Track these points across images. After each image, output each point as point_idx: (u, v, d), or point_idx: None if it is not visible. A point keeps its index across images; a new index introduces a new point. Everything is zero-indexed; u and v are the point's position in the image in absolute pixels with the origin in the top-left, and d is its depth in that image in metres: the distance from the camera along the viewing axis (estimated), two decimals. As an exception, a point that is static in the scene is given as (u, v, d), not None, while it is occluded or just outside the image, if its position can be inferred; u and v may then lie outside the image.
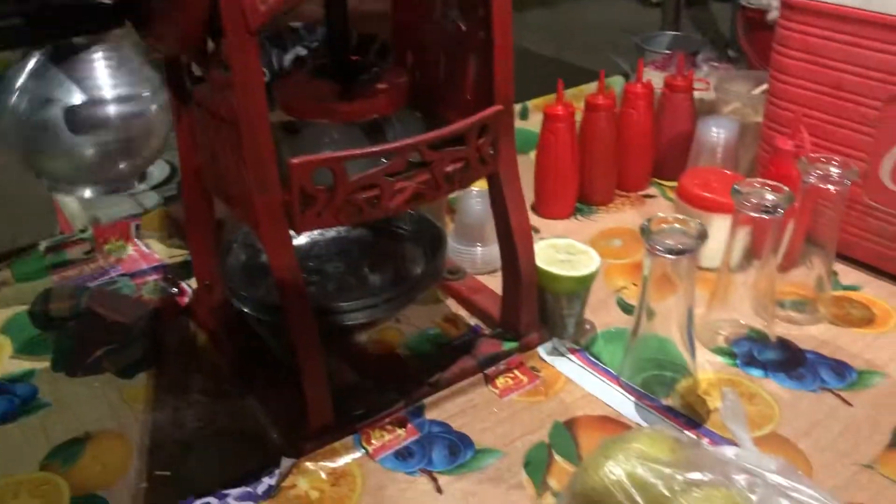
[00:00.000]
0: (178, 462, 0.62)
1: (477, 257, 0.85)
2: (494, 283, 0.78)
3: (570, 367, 0.72)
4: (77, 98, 1.02)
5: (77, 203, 1.08)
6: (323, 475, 0.61)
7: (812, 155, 0.74)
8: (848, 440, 0.63)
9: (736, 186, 0.68)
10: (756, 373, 0.70)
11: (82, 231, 0.93)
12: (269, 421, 0.65)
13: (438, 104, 0.70)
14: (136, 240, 0.93)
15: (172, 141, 0.70)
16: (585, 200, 0.98)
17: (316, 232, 0.81)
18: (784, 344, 0.74)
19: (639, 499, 0.49)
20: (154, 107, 1.06)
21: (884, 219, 0.79)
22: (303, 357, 0.60)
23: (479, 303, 0.79)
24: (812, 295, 0.77)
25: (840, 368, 0.70)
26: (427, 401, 0.68)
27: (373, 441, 0.64)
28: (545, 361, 0.72)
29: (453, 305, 0.80)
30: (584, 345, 0.74)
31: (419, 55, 0.72)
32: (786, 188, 0.67)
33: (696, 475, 0.50)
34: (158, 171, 1.77)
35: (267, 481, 0.60)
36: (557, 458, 0.62)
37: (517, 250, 0.69)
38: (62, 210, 1.09)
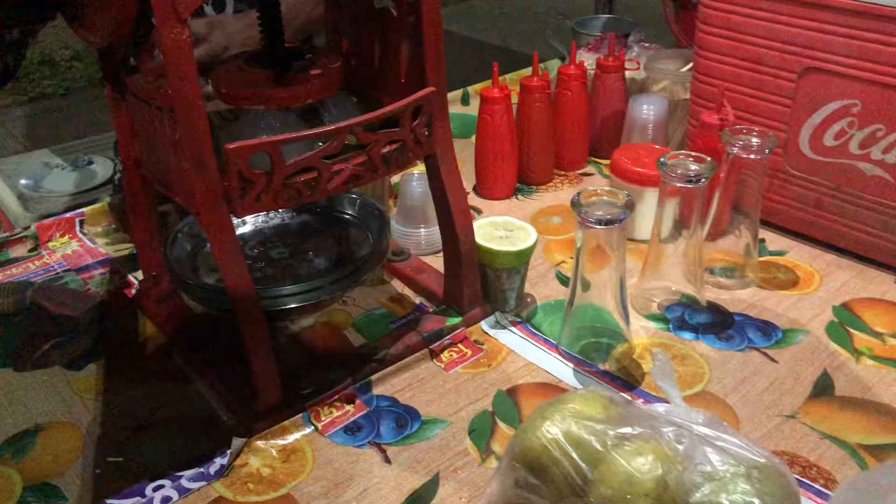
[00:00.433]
0: (131, 448, 0.63)
1: (421, 238, 0.87)
2: (439, 263, 0.80)
3: (511, 339, 0.74)
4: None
5: (18, 203, 1.08)
6: (274, 453, 0.62)
7: (735, 127, 0.77)
8: (773, 393, 0.67)
9: (661, 159, 0.71)
10: (688, 336, 0.74)
11: (25, 228, 0.92)
12: (220, 403, 0.67)
13: (374, 89, 0.72)
14: (80, 235, 0.93)
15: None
16: (525, 181, 1.01)
17: (260, 220, 0.82)
18: (714, 307, 0.77)
19: (574, 455, 0.52)
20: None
21: (805, 186, 0.83)
22: (249, 340, 0.61)
23: (423, 282, 0.81)
24: (740, 261, 0.80)
25: (766, 328, 0.74)
26: (374, 377, 0.70)
27: (322, 418, 0.66)
28: (488, 334, 0.75)
29: (399, 286, 0.82)
30: (525, 317, 0.77)
31: (354, 41, 0.74)
32: (708, 158, 0.70)
33: (626, 430, 0.52)
34: (102, 169, 1.75)
35: (219, 461, 0.61)
36: (500, 424, 0.65)
37: (456, 228, 0.72)
38: (4, 209, 1.08)
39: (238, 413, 0.65)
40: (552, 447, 0.53)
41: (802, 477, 0.59)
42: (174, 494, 0.59)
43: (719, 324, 0.75)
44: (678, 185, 0.69)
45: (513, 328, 0.76)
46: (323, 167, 0.59)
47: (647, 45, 1.11)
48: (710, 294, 0.79)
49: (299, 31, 1.08)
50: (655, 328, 0.75)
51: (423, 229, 0.87)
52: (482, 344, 0.74)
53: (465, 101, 1.25)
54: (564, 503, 0.51)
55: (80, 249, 0.90)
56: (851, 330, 0.74)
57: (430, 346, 0.73)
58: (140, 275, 0.79)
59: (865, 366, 0.70)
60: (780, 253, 0.86)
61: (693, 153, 0.72)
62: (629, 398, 0.65)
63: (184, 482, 0.60)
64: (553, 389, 0.68)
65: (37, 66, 3.46)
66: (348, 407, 0.67)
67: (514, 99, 0.96)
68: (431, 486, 0.59)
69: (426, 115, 0.65)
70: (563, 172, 1.04)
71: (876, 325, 0.74)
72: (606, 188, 0.66)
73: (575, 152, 1.03)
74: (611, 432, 0.52)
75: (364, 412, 0.66)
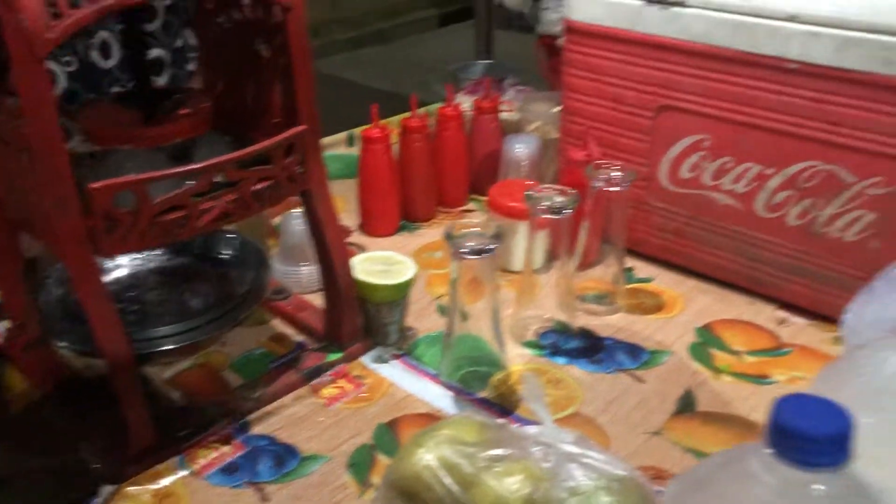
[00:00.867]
0: (-8, 503, 0.61)
1: (302, 277, 0.87)
2: (322, 300, 0.80)
3: (393, 372, 0.75)
4: None
5: None
6: (148, 497, 0.61)
7: (598, 162, 0.82)
8: (640, 412, 0.70)
9: (529, 192, 0.74)
10: (561, 360, 0.77)
11: None
12: (90, 450, 0.65)
13: (248, 128, 0.73)
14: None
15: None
16: (408, 218, 1.03)
17: (137, 262, 0.80)
18: (586, 333, 0.81)
19: (446, 479, 0.53)
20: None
21: (666, 216, 0.89)
22: (119, 383, 0.60)
23: (305, 320, 0.81)
24: (610, 288, 0.85)
25: (634, 351, 0.78)
26: (253, 417, 0.69)
27: (199, 460, 0.64)
28: (369, 369, 0.76)
29: (280, 325, 0.82)
30: (406, 350, 0.78)
31: (228, 82, 0.74)
32: (572, 191, 0.74)
33: (497, 452, 0.54)
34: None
35: (88, 511, 0.59)
36: (380, 456, 0.65)
37: (334, 263, 0.72)
38: None
39: (108, 459, 0.63)
40: (425, 473, 0.53)
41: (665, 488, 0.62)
42: (38, 548, 0.56)
43: (591, 348, 0.79)
44: (544, 216, 0.73)
45: (395, 361, 0.77)
46: (191, 205, 0.59)
47: (521, 88, 1.16)
48: (582, 320, 0.82)
49: None
50: (531, 355, 0.78)
51: (304, 267, 0.87)
52: (363, 379, 0.74)
53: (350, 142, 1.27)
54: (438, 526, 0.52)
55: (-59, 300, 0.86)
56: (712, 349, 0.79)
57: (311, 383, 0.73)
58: (6, 323, 0.76)
59: (725, 382, 0.74)
60: (647, 280, 0.90)
61: (558, 187, 0.75)
62: (502, 421, 0.68)
63: (49, 535, 0.57)
64: (433, 419, 0.69)
65: None
66: (225, 448, 0.66)
67: (396, 140, 0.99)
68: (310, 521, 0.59)
69: (299, 153, 0.66)
70: (445, 210, 1.07)
71: (734, 344, 0.79)
72: (475, 221, 0.68)
73: (456, 189, 1.06)
74: (482, 455, 0.54)
75: (242, 452, 0.65)
